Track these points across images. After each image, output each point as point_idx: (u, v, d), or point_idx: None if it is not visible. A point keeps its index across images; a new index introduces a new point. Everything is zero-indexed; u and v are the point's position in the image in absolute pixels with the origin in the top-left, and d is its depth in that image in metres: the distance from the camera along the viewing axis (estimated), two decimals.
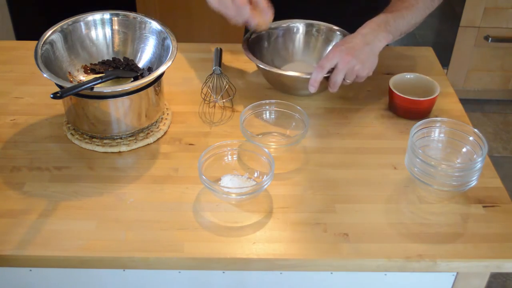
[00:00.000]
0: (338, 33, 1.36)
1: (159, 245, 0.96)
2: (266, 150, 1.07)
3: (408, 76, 1.28)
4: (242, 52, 1.30)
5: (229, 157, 1.11)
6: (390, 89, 1.24)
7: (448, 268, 0.97)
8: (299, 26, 1.39)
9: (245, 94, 1.32)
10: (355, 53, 1.16)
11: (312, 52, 1.39)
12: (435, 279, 1.05)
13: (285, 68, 1.34)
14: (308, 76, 1.24)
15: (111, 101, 1.10)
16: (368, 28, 1.20)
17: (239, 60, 1.42)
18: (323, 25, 1.37)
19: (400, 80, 1.26)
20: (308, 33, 1.39)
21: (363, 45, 1.18)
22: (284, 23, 1.38)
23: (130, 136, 1.17)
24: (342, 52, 1.16)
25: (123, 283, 1.05)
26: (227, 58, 1.44)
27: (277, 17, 1.37)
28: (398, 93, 1.22)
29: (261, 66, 1.24)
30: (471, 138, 1.07)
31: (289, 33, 1.39)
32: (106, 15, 1.24)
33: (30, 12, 2.67)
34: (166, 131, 1.20)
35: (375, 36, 1.19)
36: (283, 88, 1.30)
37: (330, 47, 1.36)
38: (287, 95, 1.30)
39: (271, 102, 1.20)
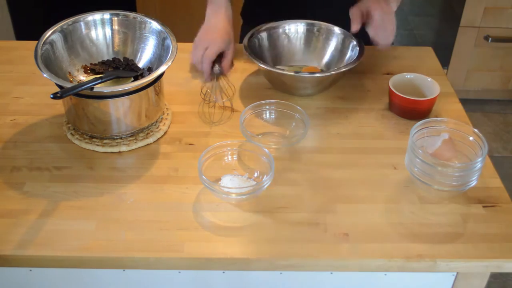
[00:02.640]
0: (339, 32, 1.35)
1: (159, 245, 0.96)
2: (266, 150, 1.07)
3: (408, 76, 1.28)
4: (242, 52, 1.30)
5: (229, 157, 1.11)
6: (390, 89, 1.24)
7: (448, 268, 0.97)
8: (300, 25, 1.39)
9: (245, 94, 1.32)
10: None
11: (313, 51, 1.39)
12: (435, 279, 1.05)
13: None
14: (309, 76, 1.24)
15: (111, 101, 1.10)
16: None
17: (239, 60, 1.42)
18: (324, 25, 1.37)
19: (400, 80, 1.26)
20: (308, 32, 1.38)
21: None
22: (285, 23, 1.38)
23: (130, 136, 1.17)
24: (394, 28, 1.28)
25: (123, 283, 1.05)
26: None
27: (278, 18, 1.38)
28: (398, 93, 1.22)
29: (262, 66, 1.24)
30: (471, 138, 1.07)
31: (289, 32, 1.39)
32: (106, 15, 1.24)
33: (30, 12, 2.66)
34: (166, 131, 1.20)
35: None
36: (283, 88, 1.30)
37: (330, 46, 1.36)
38: (287, 95, 1.30)
39: (271, 102, 1.20)
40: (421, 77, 1.27)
